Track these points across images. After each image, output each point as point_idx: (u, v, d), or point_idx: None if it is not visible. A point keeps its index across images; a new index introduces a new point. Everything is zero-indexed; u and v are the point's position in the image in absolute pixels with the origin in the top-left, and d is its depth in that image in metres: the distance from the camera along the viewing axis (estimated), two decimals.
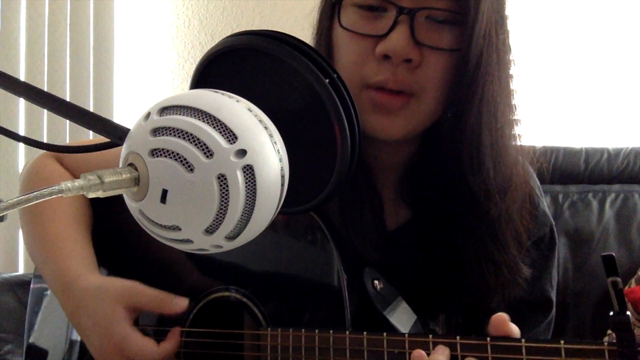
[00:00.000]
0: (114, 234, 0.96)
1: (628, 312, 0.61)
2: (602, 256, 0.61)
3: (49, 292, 1.00)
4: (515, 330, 0.67)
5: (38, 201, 0.43)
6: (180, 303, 0.82)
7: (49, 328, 0.99)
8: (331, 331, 0.74)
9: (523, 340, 0.65)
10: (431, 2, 0.77)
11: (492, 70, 0.79)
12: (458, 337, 0.68)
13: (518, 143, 0.87)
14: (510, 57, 0.84)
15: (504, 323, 0.67)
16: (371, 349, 0.72)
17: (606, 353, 0.62)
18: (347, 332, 0.73)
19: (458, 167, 0.82)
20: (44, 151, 1.00)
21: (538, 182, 0.97)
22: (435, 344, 0.68)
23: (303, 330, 0.75)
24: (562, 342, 0.64)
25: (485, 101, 0.80)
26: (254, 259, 0.84)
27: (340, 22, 0.81)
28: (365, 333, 0.72)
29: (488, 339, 0.66)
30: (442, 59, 0.79)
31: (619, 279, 0.61)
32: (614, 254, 0.62)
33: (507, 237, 0.85)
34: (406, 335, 0.71)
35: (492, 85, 0.80)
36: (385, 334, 0.71)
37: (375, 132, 0.82)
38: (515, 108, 0.86)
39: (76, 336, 0.93)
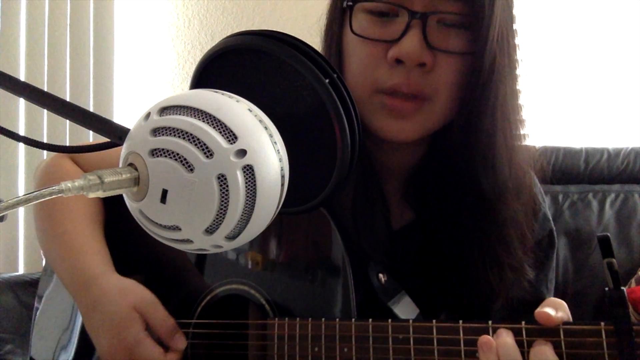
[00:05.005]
0: (122, 230, 0.96)
1: (623, 288, 0.63)
2: (597, 237, 0.64)
3: (38, 313, 1.01)
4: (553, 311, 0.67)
5: (38, 201, 0.43)
6: (179, 340, 0.82)
7: (51, 339, 1.00)
8: (337, 319, 0.75)
9: (523, 322, 0.68)
10: (443, 6, 0.77)
11: (504, 73, 0.80)
12: (461, 322, 0.70)
13: (523, 143, 0.87)
14: (517, 57, 0.84)
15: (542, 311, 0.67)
16: (376, 336, 0.73)
17: (603, 332, 0.64)
18: (353, 319, 0.75)
19: (470, 169, 0.82)
20: (44, 151, 1.00)
21: (540, 186, 0.97)
22: (439, 329, 0.70)
23: (310, 319, 0.77)
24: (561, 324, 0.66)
25: (499, 104, 0.80)
26: (261, 252, 0.85)
27: (352, 28, 0.81)
28: (370, 320, 0.74)
29: (490, 322, 0.69)
30: (455, 63, 0.78)
31: (614, 260, 0.64)
32: (609, 235, 0.64)
33: (513, 239, 0.85)
34: (410, 321, 0.73)
35: (505, 88, 0.80)
36: (390, 320, 0.73)
37: (388, 136, 0.82)
38: (521, 108, 0.86)
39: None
